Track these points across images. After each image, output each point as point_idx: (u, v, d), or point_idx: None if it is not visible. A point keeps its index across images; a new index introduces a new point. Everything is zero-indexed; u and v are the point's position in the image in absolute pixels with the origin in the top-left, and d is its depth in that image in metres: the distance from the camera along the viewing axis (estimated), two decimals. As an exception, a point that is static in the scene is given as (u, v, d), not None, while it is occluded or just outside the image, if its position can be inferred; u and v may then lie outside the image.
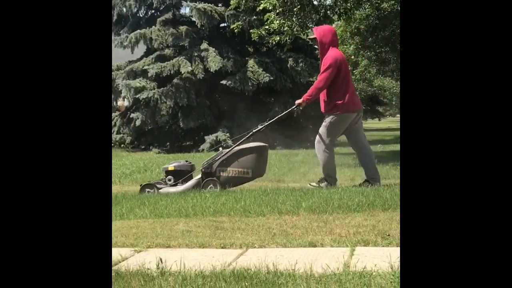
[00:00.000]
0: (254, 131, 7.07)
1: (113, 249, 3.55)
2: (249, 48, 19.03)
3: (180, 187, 6.84)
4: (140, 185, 7.14)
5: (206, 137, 17.19)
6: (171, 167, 7.08)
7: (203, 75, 17.37)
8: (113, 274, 2.85)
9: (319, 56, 6.82)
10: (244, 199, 5.11)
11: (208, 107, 18.13)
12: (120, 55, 19.27)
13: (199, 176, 6.89)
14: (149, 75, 17.72)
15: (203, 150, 16.66)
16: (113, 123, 18.88)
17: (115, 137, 18.52)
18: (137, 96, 17.67)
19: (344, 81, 6.62)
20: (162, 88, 17.64)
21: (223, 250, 3.33)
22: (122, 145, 18.72)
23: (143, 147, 18.83)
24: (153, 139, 18.88)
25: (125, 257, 3.28)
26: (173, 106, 18.01)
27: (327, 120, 6.64)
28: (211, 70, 17.15)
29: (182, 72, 17.51)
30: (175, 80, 17.77)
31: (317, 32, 6.74)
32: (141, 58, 19.20)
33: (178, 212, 4.78)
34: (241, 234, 3.74)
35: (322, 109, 6.72)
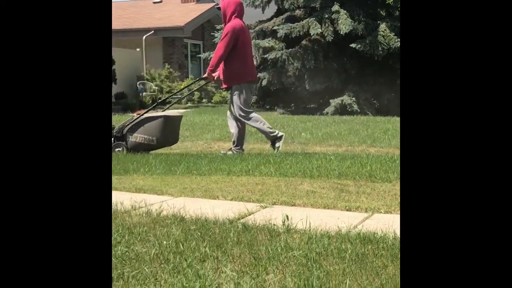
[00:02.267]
0: (159, 101, 7.59)
1: (239, 203, 3.65)
2: (381, 12, 18.50)
3: None
4: None
5: (331, 101, 17.04)
6: None
7: (332, 38, 17.14)
8: (240, 226, 2.93)
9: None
10: (370, 164, 5.04)
11: (335, 70, 17.92)
12: (251, 15, 19.43)
13: (112, 139, 7.17)
14: (278, 35, 17.75)
15: (327, 113, 16.56)
16: (240, 81, 19.19)
17: (241, 95, 18.86)
18: (265, 56, 17.79)
19: (241, 50, 6.91)
20: (290, 49, 17.63)
21: (348, 212, 3.31)
22: (248, 104, 19.05)
23: (267, 107, 19.02)
24: (278, 99, 19.01)
25: (251, 211, 3.36)
26: (300, 68, 17.97)
27: (233, 93, 6.99)
28: (341, 33, 16.87)
29: (312, 34, 17.38)
30: (303, 42, 17.68)
31: (222, 3, 7.09)
32: (271, 18, 19.25)
33: (303, 172, 4.80)
34: (366, 198, 3.69)
35: (222, 78, 7.06)
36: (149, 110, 7.53)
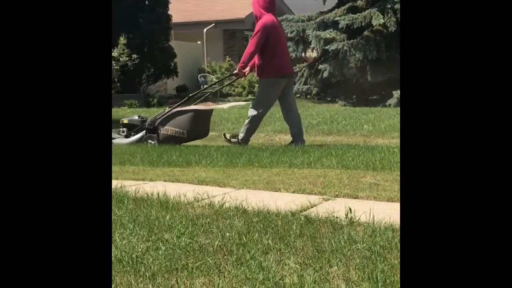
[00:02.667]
0: (190, 95, 7.95)
1: (302, 195, 3.64)
2: (445, 1, 18.03)
3: (128, 139, 7.66)
4: None
5: (394, 92, 16.77)
6: (125, 121, 8.03)
7: (395, 28, 16.85)
8: (302, 219, 2.92)
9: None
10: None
11: (398, 61, 17.60)
12: (312, 6, 19.33)
13: (144, 131, 7.59)
14: (340, 26, 17.58)
15: (390, 105, 16.30)
16: (300, 73, 19.12)
17: (302, 87, 18.78)
18: (326, 48, 17.67)
19: (272, 46, 7.02)
20: (352, 40, 17.44)
21: (413, 206, 3.25)
22: (308, 96, 18.95)
23: (329, 99, 18.89)
24: (339, 91, 18.85)
25: (313, 204, 3.34)
26: (361, 59, 17.75)
27: (260, 84, 7.24)
28: (403, 23, 16.56)
29: (374, 24, 17.14)
30: (365, 33, 17.45)
31: (253, 0, 7.19)
32: (332, 9, 19.09)
33: (366, 164, 4.74)
34: (431, 191, 3.61)
35: (256, 74, 7.24)
36: (180, 104, 7.75)
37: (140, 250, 2.49)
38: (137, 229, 2.82)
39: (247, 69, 7.30)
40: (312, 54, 21.39)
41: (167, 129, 7.38)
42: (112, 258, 2.38)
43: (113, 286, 2.09)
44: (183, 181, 4.34)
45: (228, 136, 7.54)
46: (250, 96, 19.37)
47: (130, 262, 2.33)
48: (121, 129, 7.93)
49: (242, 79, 19.37)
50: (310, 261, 2.31)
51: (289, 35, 18.45)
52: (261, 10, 7.10)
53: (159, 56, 17.43)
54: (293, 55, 18.77)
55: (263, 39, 6.98)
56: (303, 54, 19.91)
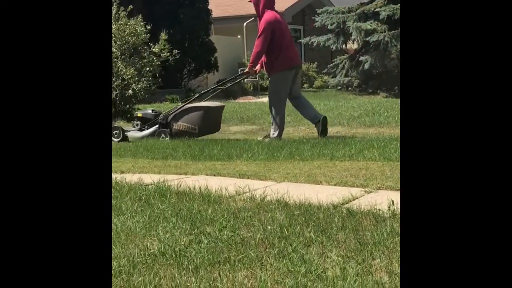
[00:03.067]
0: (202, 92, 8.23)
1: (344, 188, 3.62)
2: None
3: (142, 133, 7.87)
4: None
5: (436, 83, 16.50)
6: (139, 114, 8.29)
7: (437, 17, 16.56)
8: (344, 211, 2.90)
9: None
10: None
11: (440, 51, 17.32)
12: (352, -3, 19.13)
13: (157, 125, 7.81)
14: (381, 17, 17.36)
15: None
16: (341, 66, 18.98)
17: (343, 79, 18.63)
18: (367, 39, 17.47)
19: (278, 42, 7.23)
20: (393, 31, 17.20)
21: (457, 198, 3.20)
22: (350, 88, 18.79)
23: (370, 90, 18.68)
24: (381, 83, 18.61)
25: (355, 196, 3.32)
26: (403, 50, 17.48)
27: (270, 80, 7.45)
28: (446, 12, 16.27)
29: (415, 14, 16.87)
30: (407, 23, 17.19)
31: None
32: (373, 0, 18.86)
33: (408, 156, 4.68)
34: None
35: (265, 70, 7.50)
36: (192, 100, 8.10)
37: (183, 243, 2.52)
38: (180, 222, 2.85)
39: (258, 66, 7.58)
40: (352, 45, 21.18)
41: (180, 125, 7.66)
42: (156, 251, 2.41)
43: (156, 279, 2.12)
44: (224, 175, 4.36)
45: (260, 139, 7.62)
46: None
47: (173, 255, 2.35)
48: (135, 122, 8.20)
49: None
50: (353, 254, 2.30)
51: (329, 27, 18.33)
52: (262, 9, 7.36)
53: (199, 51, 17.53)
54: (334, 47, 18.65)
55: (269, 37, 7.23)
56: (343, 46, 19.73)
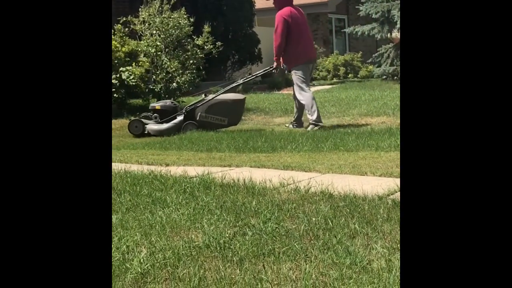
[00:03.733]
0: (233, 85, 8.33)
1: (389, 178, 3.56)
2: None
3: (166, 125, 7.74)
4: (129, 120, 8.15)
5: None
6: (157, 106, 8.03)
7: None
8: (390, 203, 2.86)
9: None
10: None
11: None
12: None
13: (182, 117, 7.74)
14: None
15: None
16: (386, 55, 18.72)
17: (388, 69, 18.39)
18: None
19: (295, 37, 7.64)
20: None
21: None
22: (395, 77, 18.52)
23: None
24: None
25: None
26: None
27: (292, 73, 7.72)
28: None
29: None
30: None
31: None
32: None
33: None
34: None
35: (284, 64, 7.84)
36: (220, 93, 8.11)
37: (227, 235, 2.53)
38: (224, 215, 2.86)
39: (281, 59, 7.92)
40: (398, 34, 20.86)
41: (208, 116, 7.72)
42: (200, 244, 2.43)
43: (201, 271, 2.13)
44: (268, 167, 4.36)
45: (289, 125, 8.04)
46: (335, 80, 19.19)
47: (218, 248, 2.36)
48: (152, 114, 8.04)
49: (327, 63, 19.24)
50: (398, 245, 2.26)
51: (373, 16, 18.07)
52: (278, 6, 7.80)
53: (243, 42, 17.52)
54: (378, 36, 18.38)
55: (285, 30, 7.64)
56: (388, 35, 19.44)
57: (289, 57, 7.77)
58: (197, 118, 7.76)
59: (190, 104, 8.03)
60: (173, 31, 9.98)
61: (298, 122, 8.00)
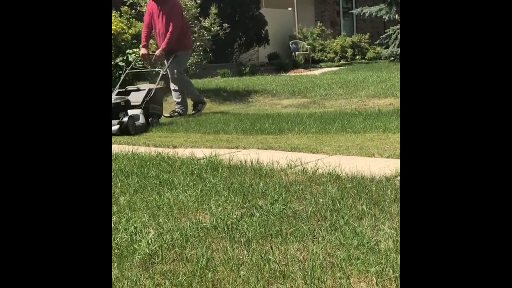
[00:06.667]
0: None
1: (397, 160, 3.55)
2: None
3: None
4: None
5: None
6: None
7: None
8: (397, 184, 2.86)
9: None
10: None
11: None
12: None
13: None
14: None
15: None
16: (394, 36, 18.58)
17: (395, 50, 18.28)
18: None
19: (185, 23, 8.10)
20: None
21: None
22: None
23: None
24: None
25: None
26: None
27: (174, 57, 7.70)
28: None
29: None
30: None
31: None
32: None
33: None
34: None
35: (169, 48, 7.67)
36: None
37: (235, 216, 2.53)
38: (232, 196, 2.86)
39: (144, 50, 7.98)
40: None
41: (154, 107, 6.97)
42: (208, 225, 2.43)
43: (209, 252, 2.14)
44: (276, 148, 4.36)
45: (169, 114, 7.95)
46: (342, 61, 19.10)
47: (225, 229, 2.37)
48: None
49: (334, 45, 19.10)
50: (406, 227, 2.26)
51: (382, -4, 17.94)
52: None
53: (250, 24, 17.44)
54: (386, 18, 18.25)
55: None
56: (396, 16, 19.30)
57: (181, 41, 7.85)
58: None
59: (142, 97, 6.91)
60: (180, 13, 9.93)
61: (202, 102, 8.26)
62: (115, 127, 5.95)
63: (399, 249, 2.04)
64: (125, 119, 6.06)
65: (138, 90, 7.08)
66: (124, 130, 5.98)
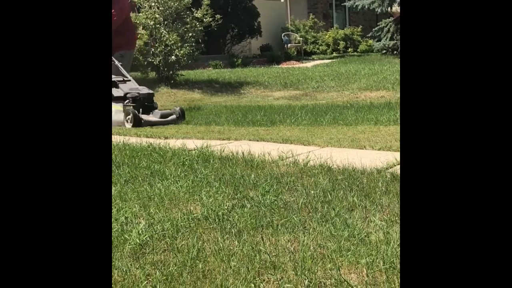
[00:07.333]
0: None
1: (388, 152, 3.56)
2: None
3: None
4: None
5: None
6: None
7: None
8: (388, 176, 2.86)
9: None
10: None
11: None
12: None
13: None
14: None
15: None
16: (386, 29, 18.61)
17: (388, 43, 18.30)
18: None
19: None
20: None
21: None
22: (395, 52, 18.45)
23: (416, 54, 18.28)
24: None
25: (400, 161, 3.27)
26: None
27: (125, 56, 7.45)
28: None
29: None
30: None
31: None
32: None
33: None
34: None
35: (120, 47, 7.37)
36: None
37: (226, 207, 2.53)
38: (223, 187, 2.86)
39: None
40: (398, 8, 20.72)
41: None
42: (199, 216, 2.43)
43: (200, 243, 2.14)
44: (267, 140, 4.36)
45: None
46: (334, 54, 19.10)
47: (216, 220, 2.37)
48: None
49: (327, 37, 19.08)
50: (396, 218, 2.27)
51: (374, -11, 17.94)
52: None
53: (242, 15, 17.41)
54: (379, 10, 18.28)
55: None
56: (388, 9, 19.32)
57: (129, 39, 7.81)
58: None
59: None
60: (172, 3, 9.90)
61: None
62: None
63: (389, 240, 2.04)
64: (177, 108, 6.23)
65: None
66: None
